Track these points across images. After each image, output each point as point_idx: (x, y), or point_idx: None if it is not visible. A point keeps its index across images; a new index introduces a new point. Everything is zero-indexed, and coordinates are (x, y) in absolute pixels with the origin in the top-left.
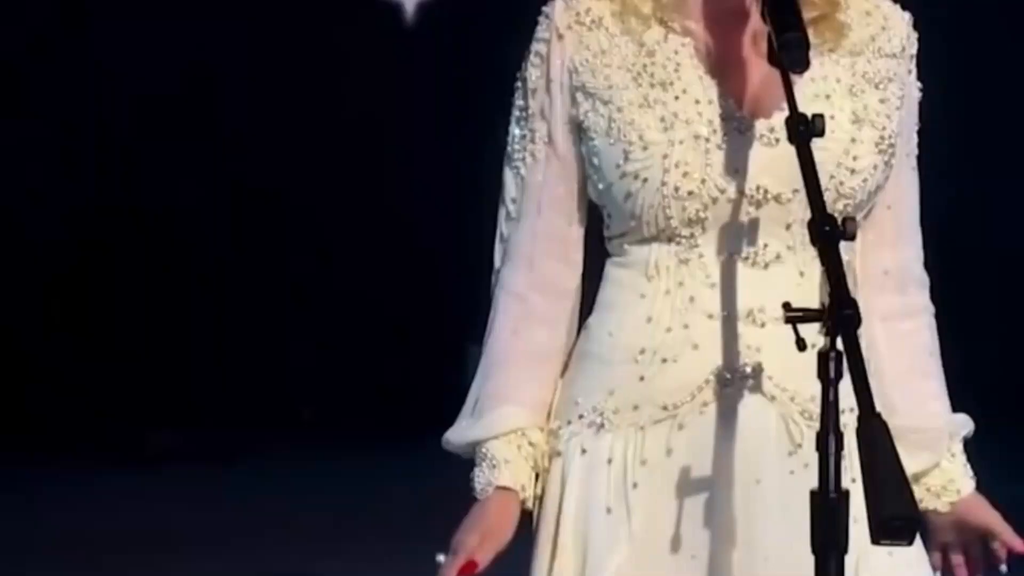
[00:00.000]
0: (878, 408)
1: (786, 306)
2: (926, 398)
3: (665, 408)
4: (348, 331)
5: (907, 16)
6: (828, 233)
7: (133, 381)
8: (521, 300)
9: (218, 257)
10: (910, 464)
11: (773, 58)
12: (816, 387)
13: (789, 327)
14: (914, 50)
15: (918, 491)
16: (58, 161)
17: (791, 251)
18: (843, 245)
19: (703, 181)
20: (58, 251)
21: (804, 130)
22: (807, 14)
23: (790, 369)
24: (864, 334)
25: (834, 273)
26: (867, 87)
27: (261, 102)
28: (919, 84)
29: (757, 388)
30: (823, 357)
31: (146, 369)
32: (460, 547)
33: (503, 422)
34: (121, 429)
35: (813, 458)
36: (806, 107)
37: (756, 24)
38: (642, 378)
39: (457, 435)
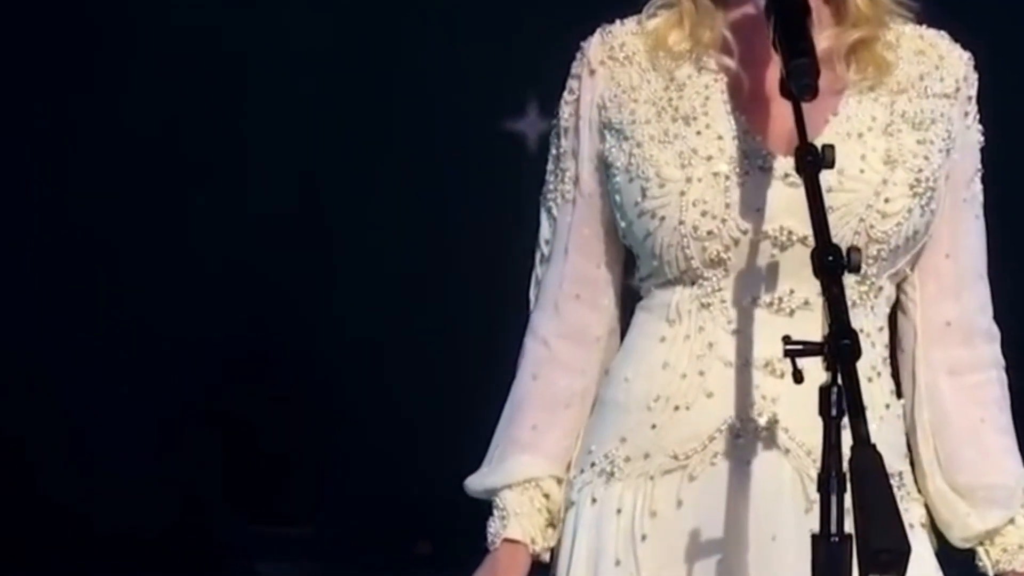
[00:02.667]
0: (930, 461)
1: (785, 339)
2: (997, 453)
3: (675, 458)
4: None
5: (966, 56)
6: (831, 264)
7: None
8: (545, 345)
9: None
10: (980, 522)
11: (784, 88)
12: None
13: (808, 380)
14: (972, 92)
15: (994, 552)
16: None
17: (821, 298)
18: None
19: (723, 221)
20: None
21: (812, 160)
22: (849, 36)
23: (807, 422)
24: (927, 389)
25: (835, 305)
26: (904, 127)
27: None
28: (980, 128)
29: (771, 441)
30: (824, 392)
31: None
32: None
33: (518, 471)
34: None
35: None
36: (838, 144)
37: None
38: (654, 426)
39: (476, 481)
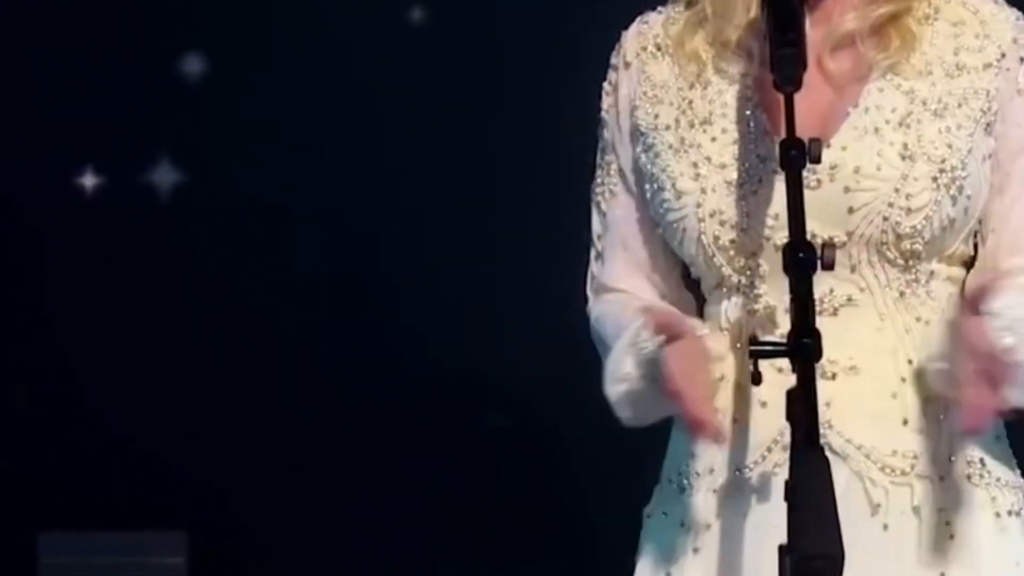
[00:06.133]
0: None
1: (751, 339)
2: None
3: (738, 471)
4: None
5: (1014, 16)
6: (802, 260)
7: None
8: (623, 295)
9: None
10: None
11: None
12: (897, 440)
13: (862, 378)
14: (1023, 52)
15: None
16: None
17: (864, 293)
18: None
19: (743, 230)
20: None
21: (795, 155)
22: (875, 13)
23: (865, 422)
24: None
25: (801, 302)
26: (925, 116)
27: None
28: None
29: (827, 446)
30: (790, 394)
31: None
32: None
33: (636, 317)
34: None
35: (893, 519)
36: (855, 142)
37: (820, 52)
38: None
39: (609, 381)
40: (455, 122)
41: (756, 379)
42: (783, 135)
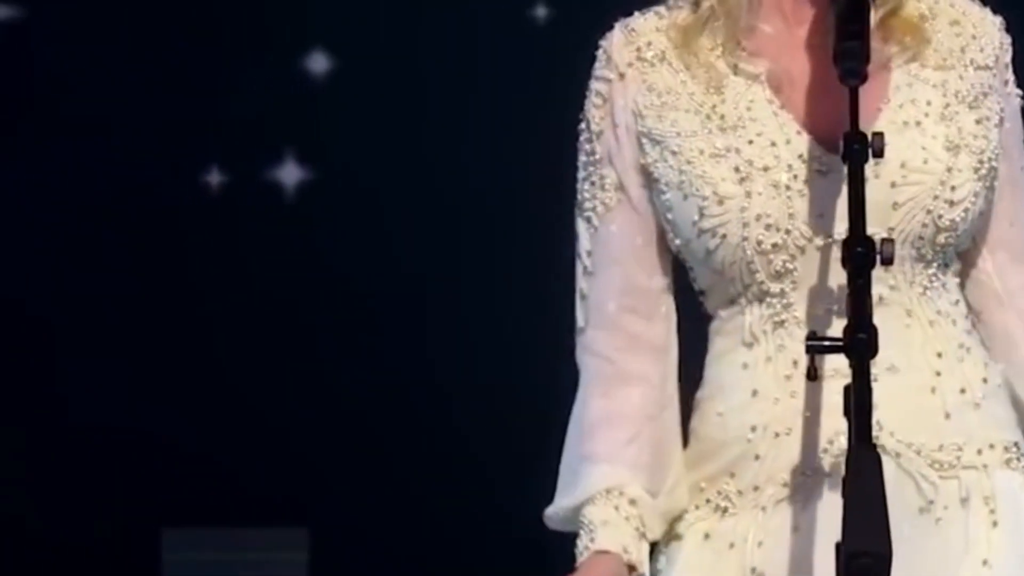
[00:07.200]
0: None
1: (809, 335)
2: None
3: (785, 485)
4: None
5: (998, 21)
6: (861, 255)
7: None
8: (609, 362)
9: None
10: None
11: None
12: (942, 434)
13: (901, 376)
14: (1008, 57)
15: None
16: None
17: (894, 291)
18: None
19: (787, 232)
20: None
21: (859, 149)
22: (876, 13)
23: (911, 420)
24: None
25: (859, 298)
26: (961, 108)
27: None
28: (1019, 92)
29: (880, 447)
30: (847, 390)
31: None
32: None
33: (598, 482)
34: None
35: (944, 513)
36: (896, 136)
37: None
38: (757, 456)
39: (553, 508)
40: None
41: (812, 374)
42: (815, 134)
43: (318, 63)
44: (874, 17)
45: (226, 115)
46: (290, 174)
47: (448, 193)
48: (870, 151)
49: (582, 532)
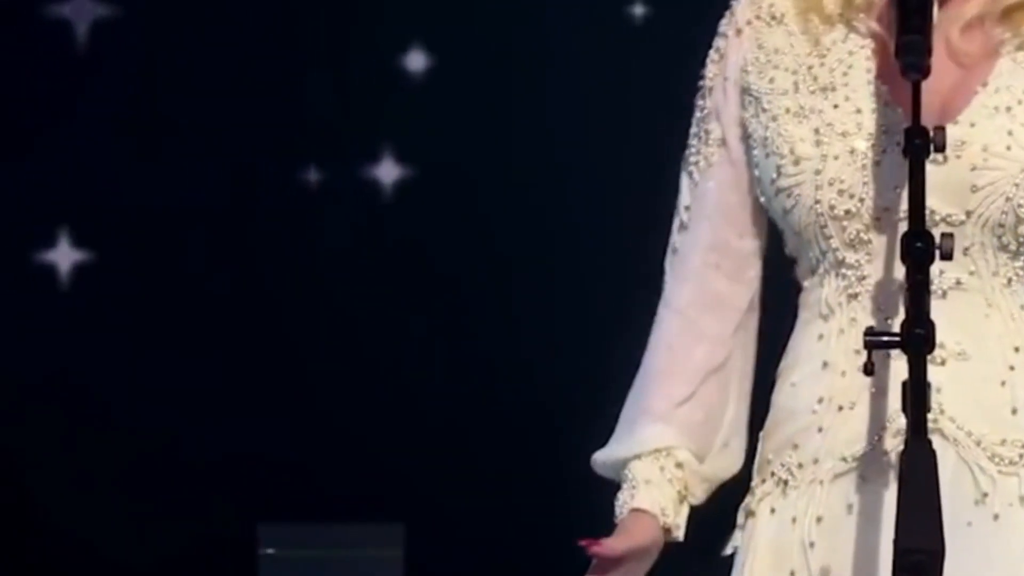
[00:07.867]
0: None
1: (867, 330)
2: None
3: (844, 460)
4: None
5: None
6: (920, 250)
7: None
8: (681, 315)
9: None
10: None
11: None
12: (1007, 429)
13: (971, 364)
14: None
15: None
16: None
17: (975, 277)
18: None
19: (861, 200)
20: None
21: (920, 144)
22: (1004, 1)
23: (975, 410)
24: None
25: (917, 292)
26: None
27: None
28: None
29: (937, 432)
30: (904, 384)
31: None
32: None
33: (649, 440)
34: None
35: (1003, 508)
36: (985, 120)
37: (948, 32)
38: (820, 429)
39: (604, 454)
40: (677, 117)
41: (869, 369)
42: (905, 107)
43: (416, 61)
44: (997, 7)
45: (324, 113)
46: (387, 172)
47: (544, 191)
48: (932, 146)
49: (624, 486)
